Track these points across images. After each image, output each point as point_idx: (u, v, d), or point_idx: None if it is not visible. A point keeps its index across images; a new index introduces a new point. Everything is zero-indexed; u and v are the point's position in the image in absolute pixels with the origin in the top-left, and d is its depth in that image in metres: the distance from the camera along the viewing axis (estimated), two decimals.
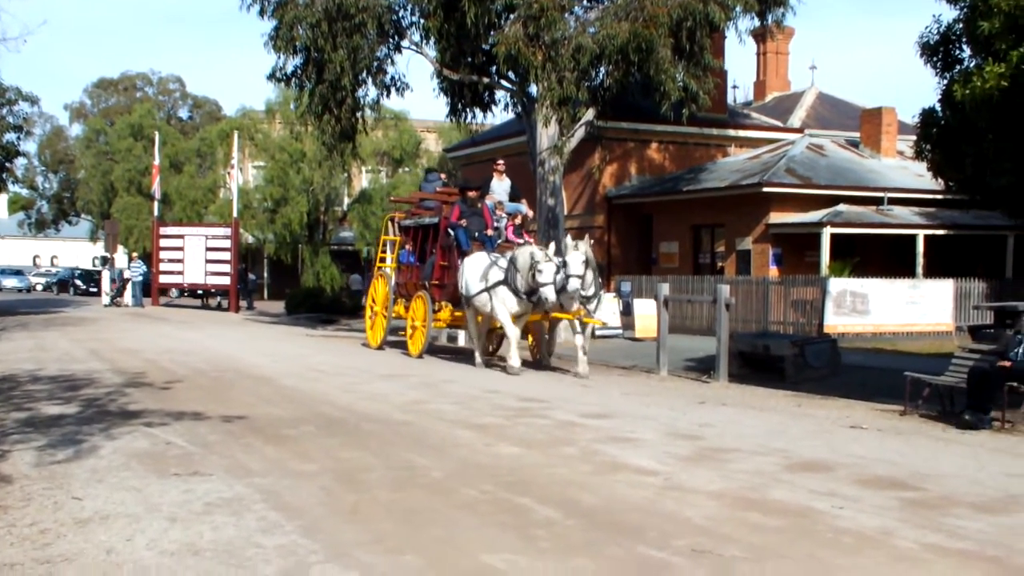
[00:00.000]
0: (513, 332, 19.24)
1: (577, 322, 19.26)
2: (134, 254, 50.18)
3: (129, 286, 46.23)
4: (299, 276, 55.34)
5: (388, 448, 10.54)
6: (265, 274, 60.63)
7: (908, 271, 28.96)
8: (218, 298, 47.07)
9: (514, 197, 22.82)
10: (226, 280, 44.52)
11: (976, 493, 8.81)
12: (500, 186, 22.67)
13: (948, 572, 6.47)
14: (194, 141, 63.24)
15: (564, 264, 18.32)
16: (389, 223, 25.79)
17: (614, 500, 8.30)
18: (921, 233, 29.43)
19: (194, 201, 57.98)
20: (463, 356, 22.20)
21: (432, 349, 22.84)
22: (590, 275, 18.76)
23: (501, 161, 23.81)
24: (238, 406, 13.39)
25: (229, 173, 47.90)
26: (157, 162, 49.59)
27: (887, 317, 27.12)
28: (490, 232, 21.17)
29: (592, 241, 19.42)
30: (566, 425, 12.44)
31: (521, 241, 21.11)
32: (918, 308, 27.56)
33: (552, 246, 19.24)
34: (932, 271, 29.32)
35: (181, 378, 16.71)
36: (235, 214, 46.12)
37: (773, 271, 29.62)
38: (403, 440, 11.07)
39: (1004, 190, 14.08)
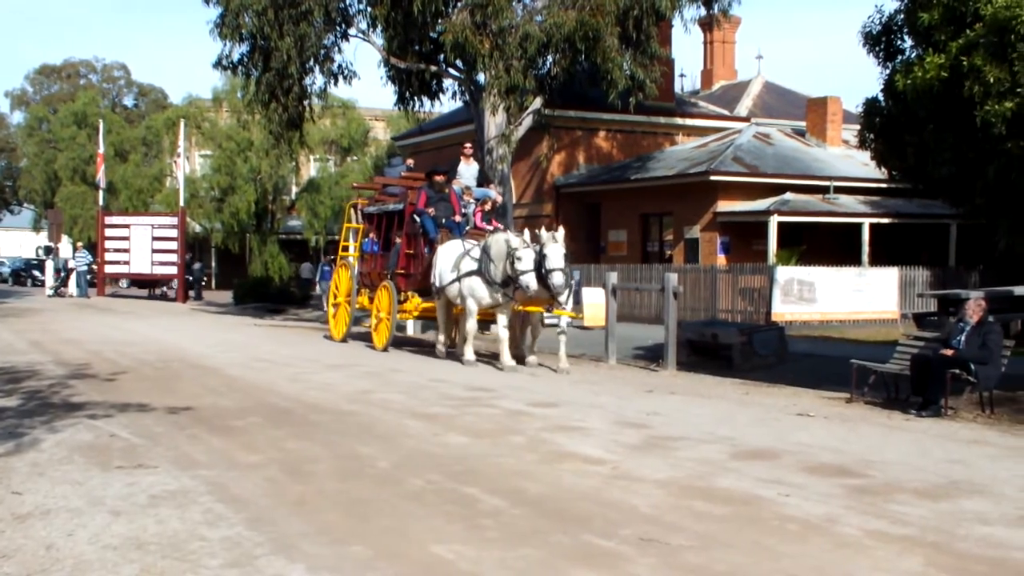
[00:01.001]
0: (471, 326, 18.50)
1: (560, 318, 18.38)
2: (79, 244, 49.58)
3: (74, 276, 45.67)
4: (247, 266, 54.96)
5: (335, 438, 10.49)
6: (213, 264, 60.12)
7: (854, 259, 29.23)
8: (164, 288, 46.62)
9: (482, 182, 22.14)
10: (173, 270, 44.11)
11: (919, 479, 8.91)
12: (468, 170, 22.07)
13: (890, 558, 6.54)
14: (140, 129, 62.54)
15: (544, 257, 17.25)
16: (352, 210, 25.01)
17: (561, 489, 8.31)
18: (866, 222, 29.71)
19: (140, 190, 57.32)
20: (429, 349, 21.06)
21: (399, 342, 22.39)
22: (567, 268, 17.85)
23: (469, 145, 23.11)
24: (184, 397, 13.26)
25: (175, 162, 47.48)
26: (102, 150, 49.01)
27: (834, 305, 27.36)
28: (458, 218, 20.29)
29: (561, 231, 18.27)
30: (514, 414, 12.44)
31: (490, 228, 20.04)
32: (864, 296, 27.83)
33: (527, 233, 18.17)
34: (877, 259, 29.61)
35: (126, 369, 16.54)
36: (182, 203, 45.70)
37: (721, 259, 29.80)
38: (350, 430, 11.02)
39: (945, 179, 14.24)
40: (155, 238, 44.10)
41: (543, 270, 17.18)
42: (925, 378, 13.18)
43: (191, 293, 45.66)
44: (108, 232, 44.82)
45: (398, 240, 21.43)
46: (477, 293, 18.15)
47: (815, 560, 6.48)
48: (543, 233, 17.48)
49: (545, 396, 14.18)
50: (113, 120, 62.31)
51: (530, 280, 17.17)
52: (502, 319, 18.17)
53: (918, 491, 8.44)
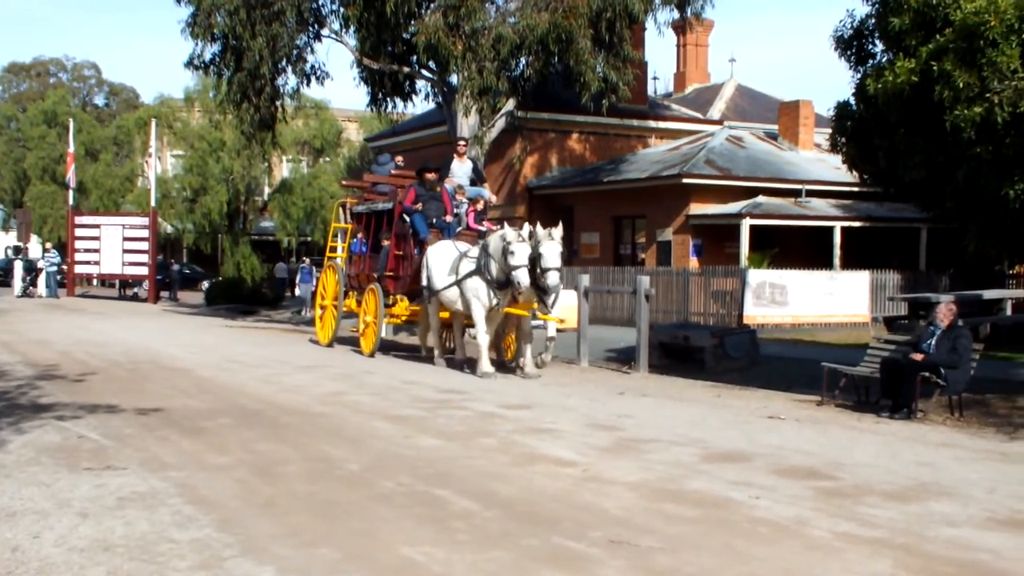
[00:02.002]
0: (483, 331, 17.05)
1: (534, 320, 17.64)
2: (48, 244, 49.23)
3: (43, 276, 45.31)
4: (219, 266, 54.76)
5: (306, 440, 10.45)
6: (183, 263, 59.88)
7: (825, 263, 29.37)
8: (135, 289, 46.36)
9: (476, 180, 21.17)
10: (144, 270, 43.87)
11: (888, 482, 8.94)
12: (461, 168, 20.91)
13: (860, 560, 6.56)
14: (111, 129, 62.25)
15: (539, 255, 16.24)
16: (340, 209, 23.96)
17: (532, 491, 8.30)
18: (838, 225, 29.85)
19: (111, 190, 57.06)
20: (417, 354, 20.31)
21: (389, 347, 21.93)
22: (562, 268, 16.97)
23: (463, 142, 22.07)
24: (154, 398, 13.18)
25: (147, 162, 47.15)
26: (72, 150, 48.70)
27: (805, 308, 27.47)
28: (449, 218, 19.29)
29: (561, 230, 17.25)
30: (486, 416, 12.42)
31: (483, 228, 19.11)
32: (835, 299, 27.95)
33: (526, 227, 17.01)
34: (849, 263, 29.75)
35: (96, 370, 16.42)
36: (153, 203, 45.45)
37: (693, 262, 29.87)
38: (321, 432, 10.98)
39: (915, 183, 14.31)
40: (126, 238, 43.85)
41: (538, 269, 16.29)
42: (895, 381, 13.26)
43: (165, 294, 45.45)
44: (78, 232, 44.56)
45: (386, 241, 20.52)
46: (480, 296, 16.98)
47: (785, 562, 6.49)
48: (539, 230, 16.58)
49: (517, 398, 14.16)
50: (83, 119, 62.00)
51: (522, 276, 16.22)
52: (489, 323, 17.20)
53: (887, 493, 8.48)
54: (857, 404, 14.13)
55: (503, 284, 16.70)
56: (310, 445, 10.19)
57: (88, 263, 44.85)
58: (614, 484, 8.60)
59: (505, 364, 18.19)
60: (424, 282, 18.29)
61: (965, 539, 7.11)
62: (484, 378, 16.50)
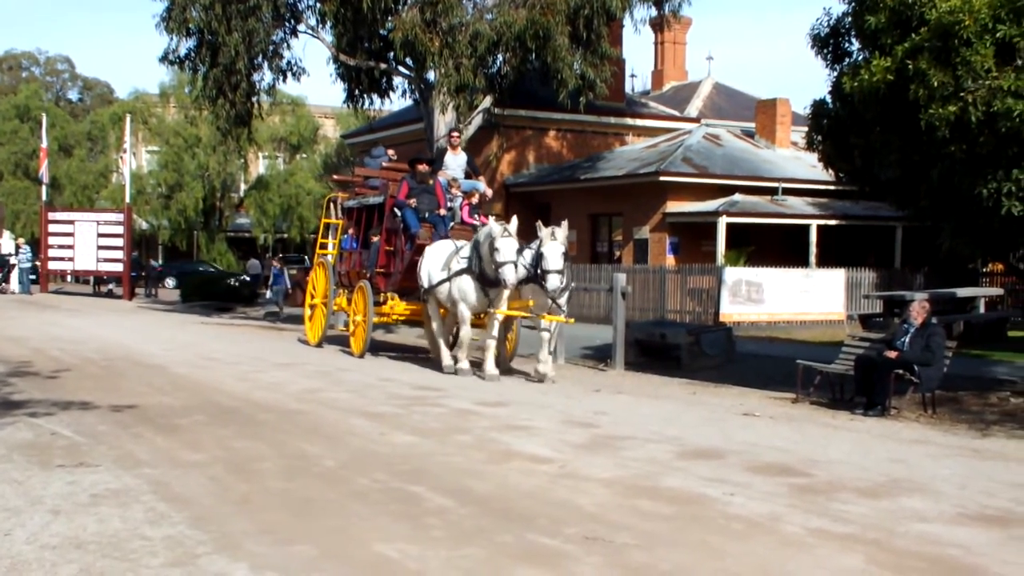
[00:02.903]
0: (465, 333, 16.74)
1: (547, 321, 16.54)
2: (20, 240, 48.88)
3: (16, 272, 45.00)
4: (195, 263, 54.60)
5: (281, 437, 10.43)
6: (160, 261, 59.69)
7: (801, 260, 29.47)
8: (110, 285, 46.13)
9: (471, 173, 20.25)
10: (119, 267, 43.65)
11: (861, 478, 8.99)
12: (455, 160, 20.08)
13: (832, 555, 6.59)
14: (84, 124, 61.95)
15: (540, 256, 15.69)
16: (331, 204, 23.33)
17: (507, 488, 8.30)
18: (814, 223, 29.96)
19: (85, 186, 56.80)
20: (411, 356, 19.76)
21: (383, 347, 21.21)
22: (567, 268, 16.19)
23: (456, 133, 21.34)
24: (128, 395, 13.12)
25: (122, 158, 46.87)
26: (45, 145, 48.32)
27: (781, 306, 27.57)
28: (443, 212, 18.41)
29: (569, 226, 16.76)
30: (461, 413, 12.42)
31: (477, 223, 18.25)
32: (811, 297, 28.06)
33: (514, 221, 16.32)
34: (825, 261, 29.87)
35: (69, 367, 16.33)
36: (128, 200, 45.20)
37: (670, 260, 29.92)
38: (297, 429, 10.95)
39: (891, 182, 14.39)
40: (101, 235, 43.53)
41: (539, 270, 15.78)
42: (869, 379, 13.33)
43: (141, 291, 45.23)
44: (52, 228, 44.24)
45: (377, 237, 19.68)
46: (468, 296, 16.49)
47: (758, 558, 6.52)
48: (541, 229, 15.91)
49: (493, 395, 14.17)
50: (57, 114, 61.64)
51: (508, 273, 15.62)
52: (492, 324, 16.51)
53: (860, 490, 8.52)
54: (832, 401, 14.21)
55: (494, 282, 16.07)
56: (285, 442, 10.17)
57: (62, 259, 44.54)
58: (589, 481, 8.61)
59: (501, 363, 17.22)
60: (422, 280, 17.61)
61: (936, 534, 7.16)
62: (461, 375, 16.37)
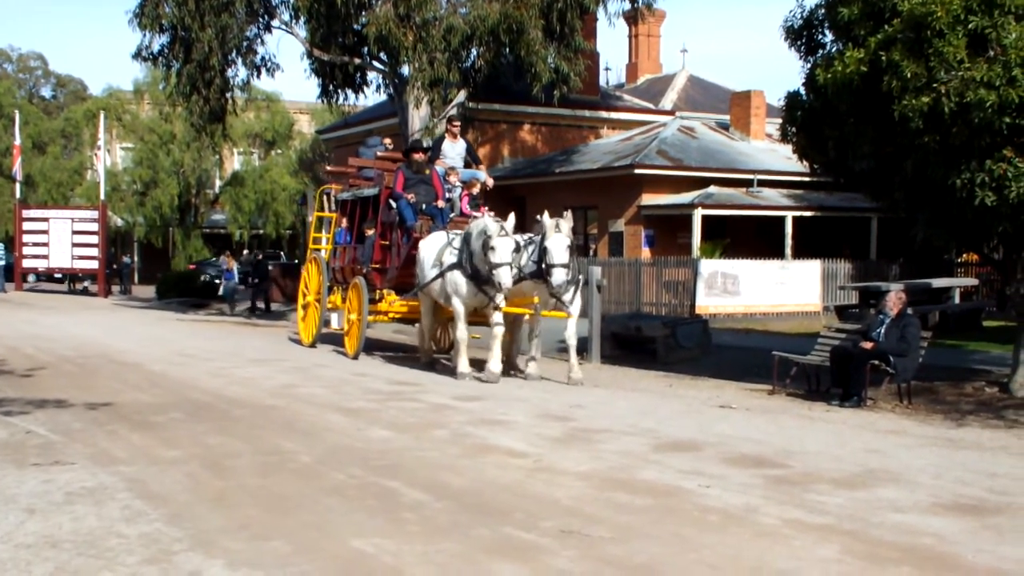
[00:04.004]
0: (462, 331, 15.84)
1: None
2: None
3: None
4: (170, 260, 54.36)
5: (257, 433, 10.40)
6: (135, 258, 59.40)
7: (777, 252, 29.52)
8: (85, 283, 45.91)
9: (470, 162, 19.27)
10: (94, 264, 43.45)
11: (837, 469, 9.03)
12: (453, 148, 18.98)
13: (808, 546, 6.62)
14: (58, 121, 61.49)
15: (544, 251, 15.03)
16: (323, 197, 22.49)
17: (483, 482, 8.30)
18: (789, 215, 30.02)
19: (59, 183, 56.42)
20: (410, 358, 18.57)
21: (379, 346, 20.68)
22: (572, 262, 15.52)
23: (456, 121, 20.23)
24: (104, 393, 13.07)
25: (96, 155, 46.62)
26: (18, 142, 48.06)
27: (757, 298, 27.63)
28: (441, 203, 17.46)
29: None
30: (438, 408, 12.42)
31: (478, 215, 17.29)
32: (787, 288, 28.11)
33: (512, 218, 15.62)
34: (800, 252, 29.92)
35: (44, 365, 16.25)
36: (102, 197, 44.98)
37: (645, 253, 29.92)
38: (272, 425, 10.93)
39: (865, 173, 14.43)
40: (75, 232, 43.39)
41: (543, 264, 15.14)
42: (845, 370, 13.40)
43: (116, 288, 45.03)
44: (26, 226, 44.05)
45: (371, 230, 18.84)
46: (459, 291, 15.63)
47: (734, 550, 6.54)
48: (546, 220, 15.31)
49: (469, 390, 14.18)
50: (30, 111, 61.18)
51: (503, 276, 14.84)
52: (495, 320, 15.61)
53: (836, 480, 8.56)
54: (808, 393, 14.27)
55: (486, 280, 15.28)
56: (261, 438, 10.15)
57: (36, 257, 44.32)
58: (565, 474, 8.63)
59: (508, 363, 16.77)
60: (419, 276, 16.85)
61: (911, 524, 7.20)
62: (459, 379, 15.41)
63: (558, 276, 14.94)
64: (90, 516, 7.08)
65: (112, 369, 15.95)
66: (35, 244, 43.88)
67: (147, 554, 6.26)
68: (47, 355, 17.75)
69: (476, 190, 18.16)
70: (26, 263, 45.09)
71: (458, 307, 15.72)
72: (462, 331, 15.81)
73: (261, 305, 32.96)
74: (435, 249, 16.39)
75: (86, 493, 7.73)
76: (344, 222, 20.80)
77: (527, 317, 16.61)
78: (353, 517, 7.19)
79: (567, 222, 15.36)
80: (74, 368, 16.03)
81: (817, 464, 9.26)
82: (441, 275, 15.96)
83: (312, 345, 20.18)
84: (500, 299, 15.50)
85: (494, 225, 15.19)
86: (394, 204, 17.78)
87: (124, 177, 53.75)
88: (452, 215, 17.63)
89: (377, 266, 18.65)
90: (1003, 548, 6.69)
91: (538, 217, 15.71)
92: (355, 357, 18.01)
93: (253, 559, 6.20)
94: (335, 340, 20.37)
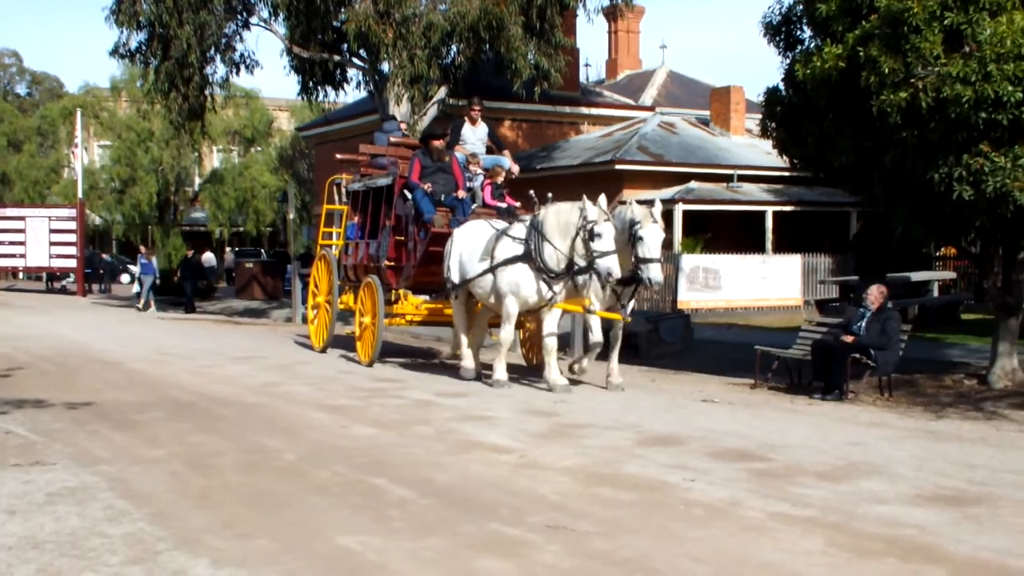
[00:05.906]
0: (509, 333, 14.44)
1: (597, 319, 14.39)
2: None
3: None
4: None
5: (240, 431, 10.38)
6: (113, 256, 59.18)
7: (758, 247, 29.59)
8: (63, 281, 45.67)
9: (493, 148, 17.78)
10: (72, 263, 43.23)
11: (820, 462, 9.07)
12: (474, 133, 17.49)
13: (792, 539, 6.65)
14: (34, 119, 61.19)
15: (639, 240, 13.53)
16: (334, 188, 20.65)
17: (468, 478, 8.31)
18: (770, 210, 30.10)
19: (36, 182, 56.18)
20: (430, 365, 17.29)
21: (395, 351, 19.03)
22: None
23: (477, 105, 18.21)
24: (84, 392, 13.01)
25: (73, 152, 46.34)
26: None
27: (738, 292, 27.70)
28: (461, 194, 15.87)
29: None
30: (422, 404, 12.42)
31: (503, 205, 16.08)
32: (768, 283, 28.21)
33: (602, 199, 13.72)
34: (781, 247, 30.01)
35: (22, 365, 16.15)
36: (80, 195, 44.73)
37: None
38: (255, 423, 10.91)
39: (844, 168, 14.48)
40: (53, 230, 43.10)
41: (634, 257, 13.62)
42: (827, 363, 13.46)
43: (98, 286, 44.84)
44: (2, 225, 43.71)
45: (386, 223, 17.09)
46: (523, 289, 13.83)
47: (719, 543, 6.56)
48: (635, 208, 13.79)
49: (453, 386, 14.16)
50: (5, 109, 60.92)
51: (612, 265, 13.08)
52: (549, 322, 14.09)
53: (819, 473, 8.60)
54: (790, 386, 14.33)
55: (560, 274, 13.73)
56: (244, 436, 10.12)
57: (13, 256, 44.04)
58: (550, 470, 8.64)
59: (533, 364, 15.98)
60: (449, 272, 14.96)
61: (893, 516, 7.24)
62: (497, 387, 13.95)
63: (655, 273, 13.53)
64: (72, 516, 7.06)
65: (92, 368, 15.87)
66: (12, 243, 43.60)
67: (131, 554, 6.24)
68: (25, 355, 17.64)
69: (500, 179, 16.55)
70: (2, 263, 44.82)
71: (512, 307, 14.04)
72: (509, 332, 14.44)
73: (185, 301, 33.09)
74: (479, 240, 14.54)
75: (68, 493, 7.70)
76: (356, 216, 18.77)
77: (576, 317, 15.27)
78: (338, 515, 7.18)
79: (659, 210, 14.04)
80: (53, 368, 15.94)
81: (800, 457, 9.30)
82: (492, 270, 14.14)
83: (323, 350, 18.49)
84: (560, 297, 14.06)
85: (594, 208, 13.38)
86: (409, 195, 16.14)
87: (102, 175, 53.52)
88: (474, 206, 16.17)
89: (391, 263, 16.89)
90: (983, 538, 6.75)
91: (624, 200, 14.03)
92: (370, 364, 16.37)
93: (238, 558, 6.19)
94: (347, 344, 18.60)
